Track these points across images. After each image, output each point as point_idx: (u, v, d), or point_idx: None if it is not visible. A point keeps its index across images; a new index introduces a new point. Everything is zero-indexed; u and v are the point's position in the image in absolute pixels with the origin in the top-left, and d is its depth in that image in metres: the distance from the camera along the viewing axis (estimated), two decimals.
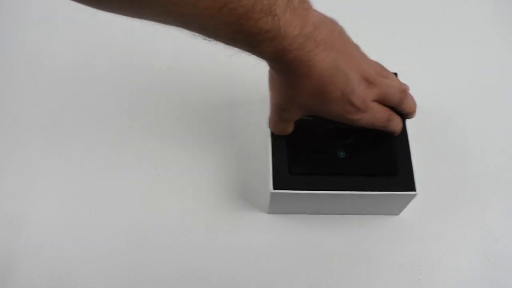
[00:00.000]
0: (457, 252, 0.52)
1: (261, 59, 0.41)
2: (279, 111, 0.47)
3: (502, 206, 0.55)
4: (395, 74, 0.54)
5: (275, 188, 0.47)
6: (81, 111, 0.59)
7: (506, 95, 0.63)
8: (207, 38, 0.38)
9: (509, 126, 0.61)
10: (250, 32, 0.36)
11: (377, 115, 0.46)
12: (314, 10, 0.41)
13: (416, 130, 0.52)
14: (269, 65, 0.42)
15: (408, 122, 0.51)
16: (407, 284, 0.50)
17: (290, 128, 0.49)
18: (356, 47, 0.45)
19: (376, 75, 0.45)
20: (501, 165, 0.58)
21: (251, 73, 0.60)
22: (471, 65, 0.66)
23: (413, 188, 0.48)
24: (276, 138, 0.50)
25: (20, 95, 0.61)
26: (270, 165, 0.49)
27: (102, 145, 0.57)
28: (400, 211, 0.53)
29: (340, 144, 0.50)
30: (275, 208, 0.52)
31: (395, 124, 0.48)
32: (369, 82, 0.44)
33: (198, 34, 0.38)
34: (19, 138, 0.57)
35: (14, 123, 0.59)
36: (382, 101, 0.46)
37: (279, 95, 0.45)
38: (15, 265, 0.50)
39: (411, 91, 0.53)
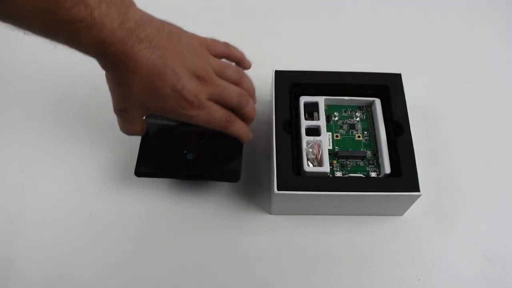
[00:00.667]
0: (457, 252, 0.52)
1: (88, 55, 0.40)
2: (119, 113, 0.47)
3: (502, 207, 0.55)
4: (398, 74, 0.54)
5: (279, 189, 0.47)
6: (82, 111, 0.59)
7: (506, 95, 0.64)
8: (24, 31, 0.37)
9: (509, 126, 0.61)
10: (63, 20, 0.36)
11: (215, 114, 0.46)
12: (139, 9, 0.42)
13: (418, 131, 0.53)
14: (98, 61, 0.42)
15: (410, 122, 0.51)
16: (407, 284, 0.50)
17: (138, 128, 0.49)
18: (189, 46, 0.45)
19: (214, 75, 0.46)
20: (501, 165, 0.58)
21: (254, 73, 0.60)
22: (471, 65, 0.66)
23: (417, 189, 0.48)
24: (280, 140, 0.50)
25: (20, 95, 0.60)
26: (274, 166, 0.49)
27: (102, 145, 0.57)
28: (404, 212, 0.53)
29: (192, 146, 0.52)
30: (279, 209, 0.52)
31: (236, 127, 0.48)
32: (201, 79, 0.44)
33: (12, 25, 0.37)
34: (19, 138, 0.57)
35: (14, 123, 0.58)
36: (220, 102, 0.47)
37: (114, 95, 0.45)
38: (15, 265, 0.50)
39: (411, 91, 0.54)
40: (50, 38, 0.38)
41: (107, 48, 0.39)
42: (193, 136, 0.53)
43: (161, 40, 0.42)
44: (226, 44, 0.51)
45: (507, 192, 0.56)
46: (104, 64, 0.42)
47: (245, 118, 0.50)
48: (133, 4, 0.41)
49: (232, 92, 0.47)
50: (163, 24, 0.44)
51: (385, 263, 0.51)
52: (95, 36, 0.38)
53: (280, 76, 0.54)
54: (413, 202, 0.50)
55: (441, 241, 0.53)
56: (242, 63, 0.52)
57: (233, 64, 0.51)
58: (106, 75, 0.44)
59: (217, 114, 0.47)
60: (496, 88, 0.64)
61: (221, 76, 0.47)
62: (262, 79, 0.60)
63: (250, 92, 0.50)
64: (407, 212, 0.53)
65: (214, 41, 0.49)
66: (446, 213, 0.54)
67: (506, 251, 0.52)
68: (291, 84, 0.54)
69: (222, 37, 0.66)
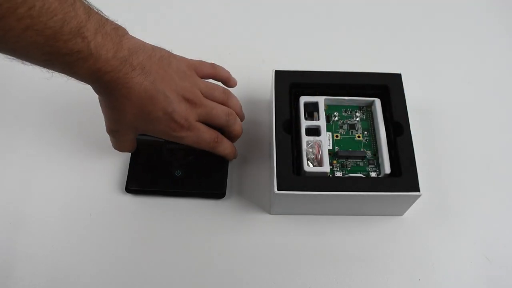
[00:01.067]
0: (457, 252, 0.52)
1: (84, 83, 0.42)
2: (111, 133, 0.49)
3: (502, 206, 0.55)
4: (398, 74, 0.54)
5: (279, 189, 0.47)
6: (82, 110, 0.59)
7: (506, 95, 0.64)
8: (22, 61, 0.39)
9: (509, 126, 0.61)
10: (61, 53, 0.38)
11: (203, 135, 0.49)
12: (132, 37, 0.44)
13: (418, 131, 0.53)
14: (92, 87, 0.44)
15: (410, 122, 0.51)
16: (407, 284, 0.50)
17: (129, 146, 0.52)
18: (179, 70, 0.47)
19: (202, 96, 0.48)
20: (501, 165, 0.58)
21: (254, 73, 0.60)
22: (471, 65, 0.66)
23: (417, 189, 0.48)
24: (280, 140, 0.50)
25: (20, 95, 0.60)
26: (274, 166, 0.48)
27: (103, 145, 0.56)
28: (404, 212, 0.53)
29: (180, 163, 0.54)
30: (278, 209, 0.52)
31: (224, 147, 0.51)
32: (190, 102, 0.47)
33: (11, 56, 0.39)
34: (19, 138, 0.57)
35: (14, 123, 0.58)
36: (209, 122, 0.49)
37: (107, 118, 0.47)
38: (15, 265, 0.50)
39: (411, 91, 0.54)
40: (47, 68, 0.40)
41: (102, 77, 0.41)
42: (181, 153, 0.55)
43: (153, 66, 0.44)
44: (213, 65, 0.53)
45: (507, 192, 0.56)
46: (98, 90, 0.44)
47: (232, 135, 0.52)
48: (127, 33, 0.44)
49: (219, 111, 0.49)
50: (154, 49, 0.46)
51: (385, 263, 0.51)
52: (90, 66, 0.40)
53: (280, 76, 0.54)
54: (413, 202, 0.50)
55: (441, 241, 0.53)
56: (228, 82, 0.54)
57: (220, 83, 0.54)
58: (100, 99, 0.46)
59: (206, 135, 0.49)
60: (496, 88, 0.64)
61: (208, 97, 0.49)
62: (262, 79, 0.60)
63: (237, 110, 0.52)
64: (407, 212, 0.53)
65: (201, 63, 0.51)
66: (446, 213, 0.54)
67: (506, 251, 0.52)
68: (291, 84, 0.54)
69: (222, 37, 0.67)
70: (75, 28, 0.37)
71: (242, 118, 0.54)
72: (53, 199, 0.54)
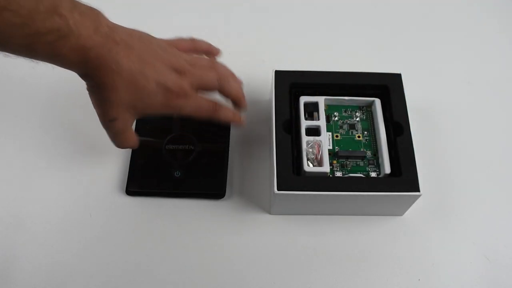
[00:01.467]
0: (457, 252, 0.52)
1: (69, 68, 0.42)
2: (109, 125, 0.47)
3: (502, 206, 0.55)
4: (398, 74, 0.54)
5: (279, 189, 0.47)
6: (82, 111, 0.59)
7: (506, 95, 0.64)
8: (5, 52, 0.39)
9: (509, 126, 0.61)
10: (40, 32, 0.37)
11: (202, 102, 0.49)
12: (106, 18, 0.43)
13: (418, 131, 0.53)
14: (80, 73, 0.43)
15: (410, 122, 0.51)
16: (407, 284, 0.50)
17: (131, 137, 0.49)
18: (160, 46, 0.47)
19: (189, 66, 0.48)
20: (501, 165, 0.58)
21: (254, 73, 0.60)
22: (471, 65, 0.66)
23: (417, 189, 0.48)
24: (280, 140, 0.50)
25: (20, 95, 0.60)
26: (274, 166, 0.48)
27: (103, 146, 0.56)
28: (404, 211, 0.53)
29: (179, 164, 0.55)
30: (278, 209, 0.52)
31: (225, 113, 0.50)
32: (180, 72, 0.47)
33: None
34: (19, 138, 0.57)
35: (14, 123, 0.58)
36: (202, 89, 0.49)
37: (101, 106, 0.45)
38: (15, 265, 0.50)
39: (411, 91, 0.54)
40: (31, 55, 0.40)
41: (87, 53, 0.40)
42: (180, 154, 0.55)
43: (135, 43, 0.44)
44: (192, 39, 0.53)
45: (507, 192, 0.56)
46: (86, 72, 0.43)
47: (232, 97, 0.51)
48: (101, 12, 0.43)
49: (210, 76, 0.49)
50: (132, 30, 0.46)
51: (385, 263, 0.51)
52: (73, 44, 0.39)
53: (280, 76, 0.54)
54: (413, 202, 0.50)
55: (441, 241, 0.53)
56: (211, 52, 0.54)
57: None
58: (89, 89, 0.45)
59: (204, 103, 0.49)
60: (496, 88, 0.64)
61: (195, 67, 0.49)
62: (262, 79, 0.60)
63: (228, 74, 0.52)
64: (407, 212, 0.53)
65: (180, 39, 0.52)
66: (446, 213, 0.54)
67: (506, 251, 0.52)
68: (291, 84, 0.54)
69: (222, 37, 0.67)
70: (50, 6, 0.37)
71: (236, 81, 0.53)
72: (53, 200, 0.54)
